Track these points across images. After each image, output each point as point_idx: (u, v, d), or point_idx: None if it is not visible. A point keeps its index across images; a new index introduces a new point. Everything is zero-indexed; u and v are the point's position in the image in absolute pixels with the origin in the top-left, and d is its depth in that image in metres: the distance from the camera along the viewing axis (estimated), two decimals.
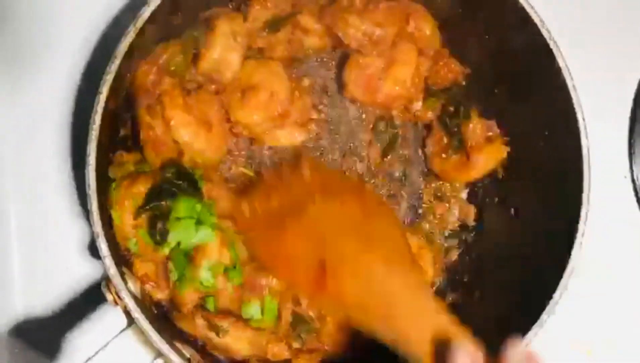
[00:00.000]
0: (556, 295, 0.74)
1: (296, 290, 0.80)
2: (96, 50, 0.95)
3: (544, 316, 0.73)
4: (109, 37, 0.95)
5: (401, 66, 0.86)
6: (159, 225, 0.76)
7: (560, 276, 0.74)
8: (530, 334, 0.73)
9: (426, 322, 0.64)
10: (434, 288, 0.94)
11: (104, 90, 0.70)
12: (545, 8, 0.77)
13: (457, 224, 0.97)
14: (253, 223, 0.79)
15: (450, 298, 0.93)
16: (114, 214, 0.76)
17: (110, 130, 0.75)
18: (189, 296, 0.78)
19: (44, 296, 0.90)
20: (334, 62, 0.95)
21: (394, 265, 0.70)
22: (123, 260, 0.77)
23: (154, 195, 0.76)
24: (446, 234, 0.97)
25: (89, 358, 0.71)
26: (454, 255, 0.96)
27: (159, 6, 0.73)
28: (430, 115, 0.93)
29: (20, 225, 0.92)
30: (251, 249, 0.79)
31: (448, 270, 0.96)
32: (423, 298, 0.67)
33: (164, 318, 0.80)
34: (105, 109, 0.71)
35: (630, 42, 1.05)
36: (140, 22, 0.71)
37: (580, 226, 0.75)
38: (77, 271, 0.91)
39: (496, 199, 0.93)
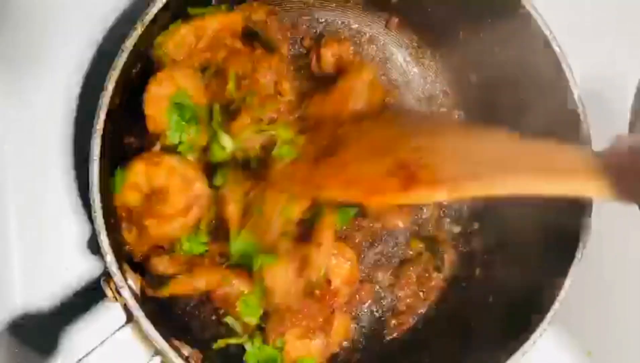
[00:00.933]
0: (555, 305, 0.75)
1: (381, 203, 0.77)
2: (100, 49, 0.95)
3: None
4: (114, 36, 0.95)
5: None
6: None
7: (563, 278, 0.74)
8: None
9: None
10: None
11: (110, 85, 0.70)
12: (546, 7, 0.78)
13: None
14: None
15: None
16: None
17: (114, 126, 0.75)
18: None
19: (43, 293, 0.90)
20: None
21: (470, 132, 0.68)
22: (124, 256, 0.77)
23: None
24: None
25: (87, 354, 0.71)
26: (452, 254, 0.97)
27: (165, 4, 0.73)
28: None
29: (21, 222, 0.92)
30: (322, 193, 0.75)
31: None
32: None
33: (163, 314, 0.80)
34: (110, 104, 0.71)
35: (631, 41, 1.05)
36: (147, 19, 0.72)
37: (583, 226, 0.76)
38: (76, 268, 0.91)
39: None
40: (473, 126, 0.70)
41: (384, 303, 0.96)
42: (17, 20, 0.95)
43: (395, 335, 0.94)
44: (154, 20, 0.73)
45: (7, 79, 0.94)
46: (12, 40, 0.95)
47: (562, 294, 0.75)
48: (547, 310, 0.76)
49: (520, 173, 0.62)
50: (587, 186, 0.61)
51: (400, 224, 0.96)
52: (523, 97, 0.83)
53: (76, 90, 0.95)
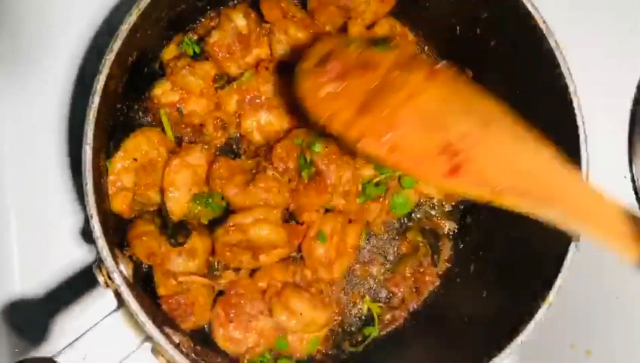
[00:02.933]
0: (551, 296, 0.74)
1: (421, 178, 0.77)
2: (97, 47, 0.96)
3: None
4: (111, 33, 0.95)
5: None
6: None
7: (557, 271, 0.74)
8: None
9: (581, 198, 0.63)
10: None
11: (104, 70, 0.70)
12: (546, 8, 0.78)
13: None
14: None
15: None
16: None
17: (108, 112, 0.76)
18: None
19: (40, 280, 0.91)
20: None
21: (524, 140, 0.66)
22: (115, 242, 0.77)
23: None
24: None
25: (77, 338, 0.71)
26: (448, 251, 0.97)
27: None
28: None
29: (18, 213, 0.93)
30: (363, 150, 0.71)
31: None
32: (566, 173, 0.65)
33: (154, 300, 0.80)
34: (105, 90, 0.71)
35: (631, 42, 1.05)
36: (143, 4, 0.72)
37: None
38: (72, 257, 0.92)
39: None
40: (520, 124, 0.67)
41: (378, 299, 0.95)
42: (14, 20, 0.96)
43: (388, 330, 0.94)
44: (151, 5, 0.73)
45: (4, 78, 0.95)
46: (9, 40, 0.96)
47: (556, 286, 0.74)
48: (540, 305, 0.75)
49: (561, 209, 0.64)
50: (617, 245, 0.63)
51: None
52: (520, 95, 0.83)
53: (73, 87, 0.96)
